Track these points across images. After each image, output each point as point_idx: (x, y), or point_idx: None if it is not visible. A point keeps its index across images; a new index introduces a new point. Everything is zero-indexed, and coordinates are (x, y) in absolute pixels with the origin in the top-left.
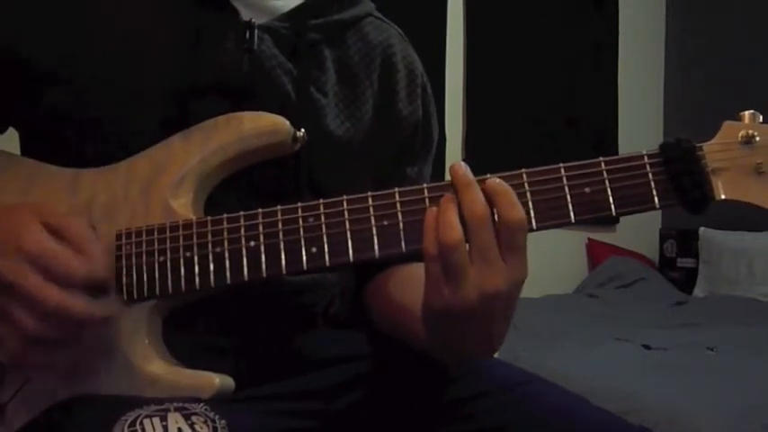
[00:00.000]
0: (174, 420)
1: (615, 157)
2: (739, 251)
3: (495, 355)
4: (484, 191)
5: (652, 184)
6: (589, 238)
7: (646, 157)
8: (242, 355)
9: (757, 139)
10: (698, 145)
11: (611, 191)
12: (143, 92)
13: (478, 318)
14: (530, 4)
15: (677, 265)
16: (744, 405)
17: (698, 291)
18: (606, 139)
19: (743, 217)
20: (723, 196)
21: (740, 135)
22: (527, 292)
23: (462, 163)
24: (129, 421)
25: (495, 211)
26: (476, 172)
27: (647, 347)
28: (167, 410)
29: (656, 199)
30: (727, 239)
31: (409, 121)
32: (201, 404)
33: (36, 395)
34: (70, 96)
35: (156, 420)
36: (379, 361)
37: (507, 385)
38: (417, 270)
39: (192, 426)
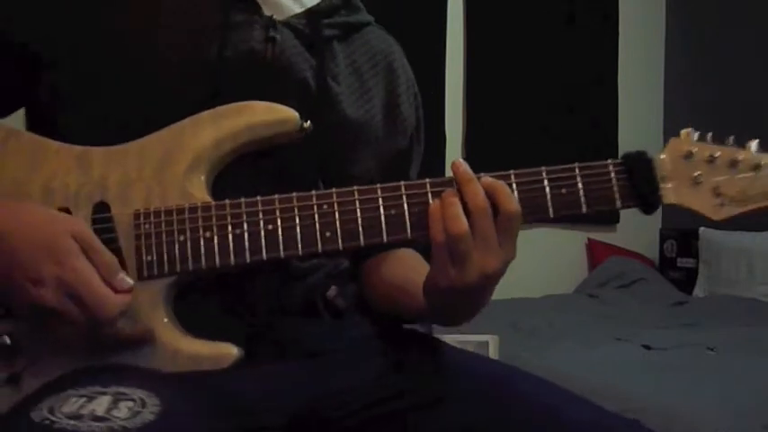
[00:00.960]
0: (99, 403)
1: (587, 164)
2: (739, 251)
3: (495, 356)
4: (482, 186)
5: (615, 188)
6: (589, 238)
7: (611, 166)
8: (239, 335)
9: (695, 155)
10: (653, 157)
11: (583, 192)
12: (170, 76)
13: (475, 292)
14: (529, 5)
15: (677, 265)
16: (744, 405)
17: (698, 291)
18: (606, 138)
19: (743, 217)
20: (672, 201)
21: (682, 151)
22: (527, 291)
23: (462, 160)
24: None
25: (493, 203)
26: (476, 171)
27: (647, 347)
28: (103, 394)
29: (618, 200)
30: (727, 239)
31: (407, 125)
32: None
33: (51, 365)
34: (97, 80)
35: (83, 400)
36: (365, 353)
37: (491, 381)
38: (405, 254)
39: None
